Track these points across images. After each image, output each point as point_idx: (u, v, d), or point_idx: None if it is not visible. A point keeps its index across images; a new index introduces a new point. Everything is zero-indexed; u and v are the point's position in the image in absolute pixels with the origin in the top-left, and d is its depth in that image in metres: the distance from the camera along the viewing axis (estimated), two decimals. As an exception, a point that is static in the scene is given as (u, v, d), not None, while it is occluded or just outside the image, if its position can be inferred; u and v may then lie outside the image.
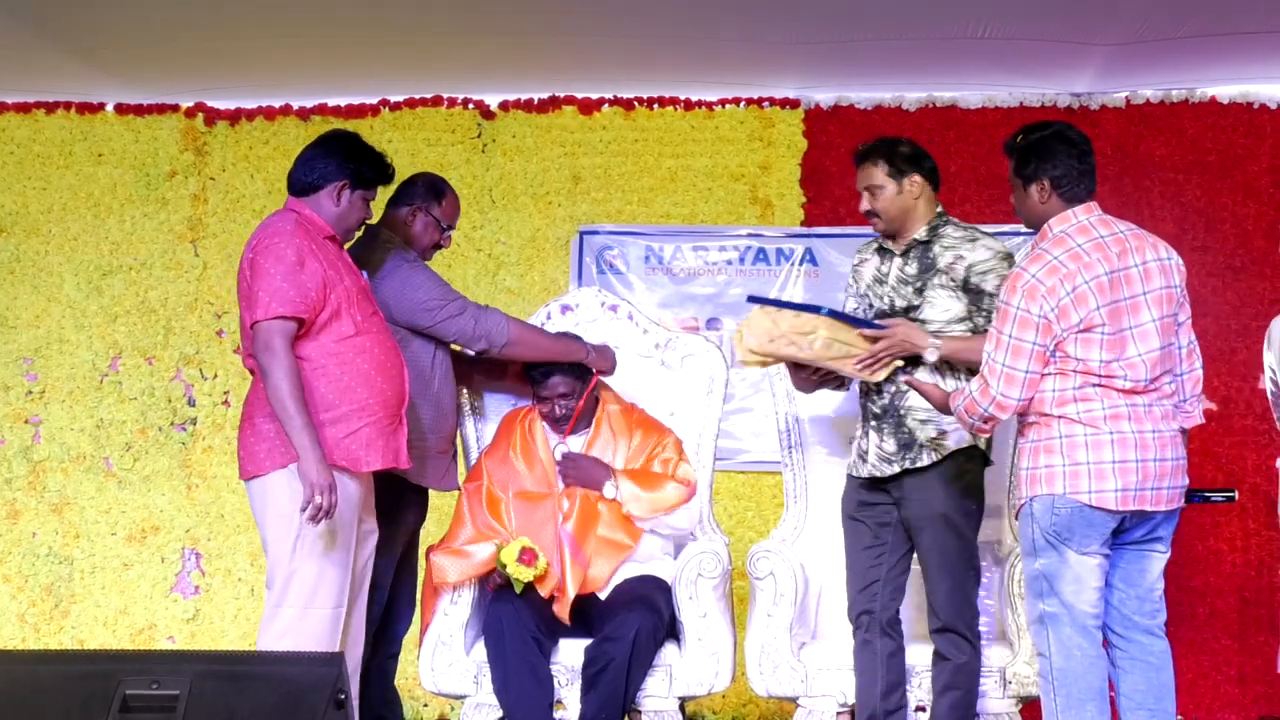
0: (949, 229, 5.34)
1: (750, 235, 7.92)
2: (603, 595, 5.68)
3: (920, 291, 5.31)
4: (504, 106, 8.10)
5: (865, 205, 5.43)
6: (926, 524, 5.26)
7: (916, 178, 5.37)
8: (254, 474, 5.16)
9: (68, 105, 8.25)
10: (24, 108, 8.27)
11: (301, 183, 5.36)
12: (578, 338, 5.93)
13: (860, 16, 6.86)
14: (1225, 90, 7.78)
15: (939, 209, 5.41)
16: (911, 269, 5.35)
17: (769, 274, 7.92)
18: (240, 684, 4.01)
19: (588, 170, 8.03)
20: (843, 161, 7.81)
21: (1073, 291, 4.77)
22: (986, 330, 5.02)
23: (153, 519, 8.01)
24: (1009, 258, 5.23)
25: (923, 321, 5.26)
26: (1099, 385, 4.80)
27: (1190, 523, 7.61)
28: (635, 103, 8.03)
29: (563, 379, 5.86)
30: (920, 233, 5.36)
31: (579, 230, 8.00)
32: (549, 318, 6.26)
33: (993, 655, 5.62)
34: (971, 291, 5.23)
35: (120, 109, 8.24)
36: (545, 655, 5.54)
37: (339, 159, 5.34)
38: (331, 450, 5.08)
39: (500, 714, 5.55)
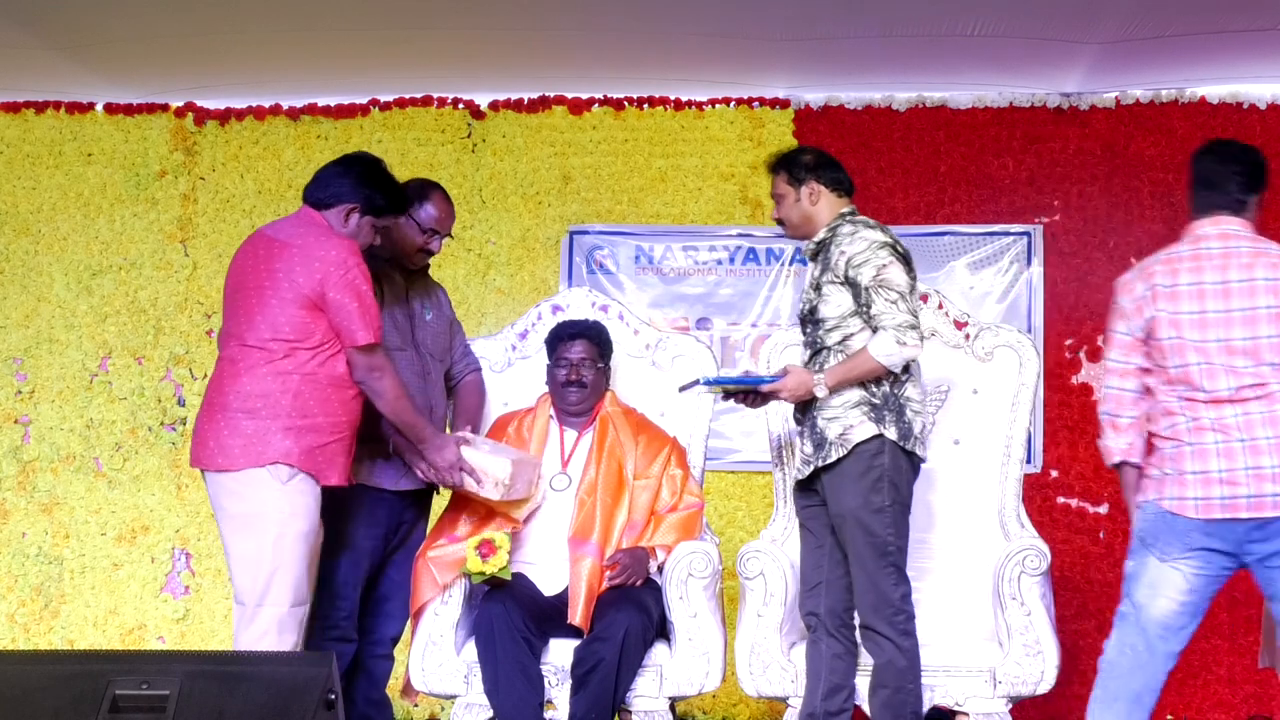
0: (845, 227, 5.42)
1: (740, 235, 7.93)
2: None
3: (819, 290, 5.42)
4: (494, 106, 8.10)
5: (773, 213, 5.66)
6: (839, 521, 5.34)
7: (814, 184, 5.49)
8: (224, 468, 5.21)
9: (57, 105, 8.24)
10: (13, 107, 8.27)
11: (315, 197, 5.44)
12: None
13: (850, 13, 6.87)
14: (1215, 90, 7.79)
15: (845, 210, 5.49)
16: (817, 270, 5.48)
17: (759, 274, 7.93)
18: (230, 684, 4.01)
19: (578, 170, 8.04)
20: (833, 161, 7.83)
21: (1174, 290, 4.89)
22: (871, 330, 5.23)
23: (143, 519, 8.00)
24: (885, 246, 5.29)
25: (821, 320, 5.37)
26: (1185, 397, 4.83)
27: (1180, 522, 7.62)
28: (625, 103, 8.04)
29: (584, 344, 5.93)
30: (822, 234, 5.47)
31: (569, 230, 8.01)
32: (540, 318, 6.27)
33: (983, 655, 5.63)
34: (851, 285, 5.31)
35: (110, 109, 8.24)
36: (535, 655, 5.54)
37: (354, 181, 5.43)
38: (302, 456, 5.20)
39: (490, 714, 5.55)
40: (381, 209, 5.44)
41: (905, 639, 5.26)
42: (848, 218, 5.45)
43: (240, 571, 5.26)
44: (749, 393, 5.51)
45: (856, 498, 5.26)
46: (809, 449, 5.38)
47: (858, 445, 5.25)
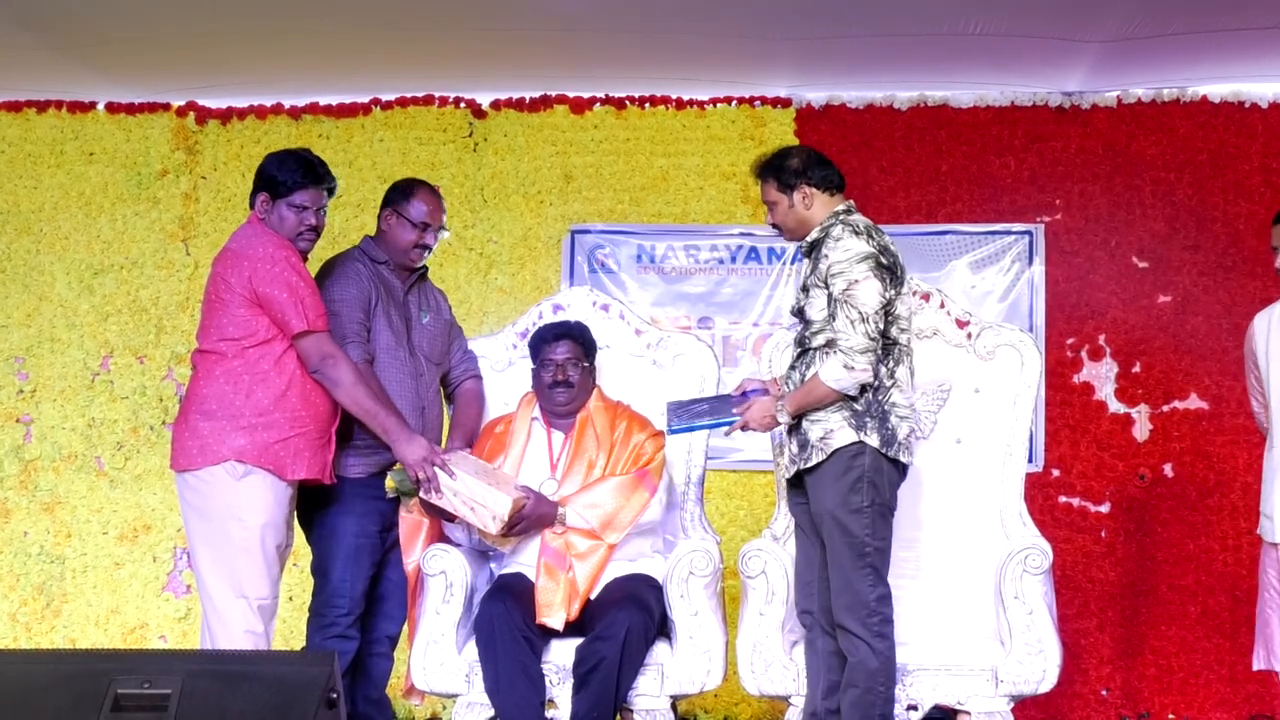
0: (835, 229, 5.38)
1: (742, 234, 7.92)
2: (593, 595, 5.69)
3: (806, 291, 5.42)
4: (495, 105, 8.09)
5: (768, 219, 5.62)
6: (820, 521, 5.34)
7: (806, 188, 5.45)
8: (185, 468, 5.41)
9: (59, 104, 8.24)
10: (15, 106, 8.27)
11: (250, 199, 5.66)
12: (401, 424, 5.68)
13: (851, 11, 6.86)
14: (1216, 89, 7.78)
15: (840, 207, 5.46)
16: (808, 269, 5.46)
17: (760, 273, 7.93)
18: (232, 683, 4.01)
19: (579, 169, 8.03)
20: (834, 161, 7.83)
21: None
22: (832, 353, 5.23)
23: (144, 518, 8.01)
24: (865, 260, 5.23)
25: (809, 320, 5.37)
26: None
27: (1182, 522, 7.62)
28: (627, 102, 8.03)
29: (569, 344, 5.90)
30: (815, 233, 5.45)
31: (571, 229, 8.00)
32: (540, 317, 6.27)
33: (985, 654, 5.63)
34: (829, 292, 5.30)
35: (111, 108, 8.24)
36: (537, 654, 5.54)
37: (260, 172, 5.62)
38: (257, 453, 5.36)
39: (492, 713, 5.55)
40: (286, 187, 5.54)
41: (879, 640, 5.24)
42: (841, 217, 5.41)
43: (201, 565, 5.45)
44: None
45: (835, 497, 5.25)
46: (795, 449, 5.40)
47: (837, 450, 5.25)
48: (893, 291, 5.27)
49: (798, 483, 5.44)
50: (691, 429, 5.66)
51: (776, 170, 5.49)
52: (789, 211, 5.48)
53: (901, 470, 5.35)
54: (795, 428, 5.38)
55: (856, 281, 5.20)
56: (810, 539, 5.48)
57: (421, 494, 5.57)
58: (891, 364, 5.29)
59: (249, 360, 5.40)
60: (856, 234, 5.31)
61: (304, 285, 5.42)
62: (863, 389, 5.23)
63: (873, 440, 5.23)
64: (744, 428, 5.50)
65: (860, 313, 5.18)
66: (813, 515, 5.37)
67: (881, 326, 5.23)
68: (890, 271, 5.27)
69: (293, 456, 5.41)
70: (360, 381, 5.47)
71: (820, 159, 5.54)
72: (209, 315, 5.48)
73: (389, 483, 5.65)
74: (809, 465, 5.29)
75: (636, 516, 5.74)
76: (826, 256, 5.30)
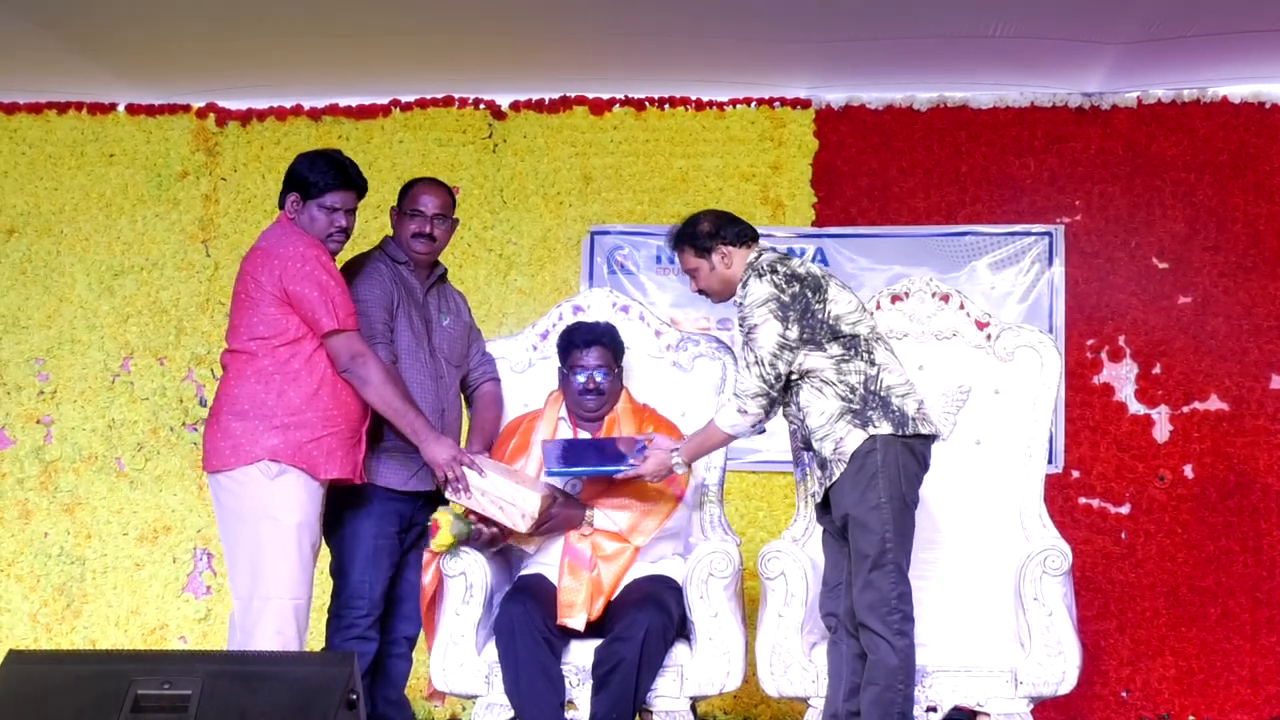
0: (747, 276, 5.40)
1: (762, 236, 7.88)
2: (614, 596, 5.70)
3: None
4: (515, 107, 8.10)
5: (692, 288, 5.67)
6: (842, 523, 5.33)
7: (722, 248, 5.50)
8: (218, 468, 5.41)
9: (79, 106, 8.26)
10: (36, 108, 8.28)
11: (279, 200, 5.66)
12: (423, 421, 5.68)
13: (871, 14, 6.86)
14: (1237, 90, 7.77)
15: (750, 258, 5.47)
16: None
17: (780, 274, 7.92)
18: (252, 684, 4.02)
19: (599, 170, 8.04)
20: (854, 162, 7.86)
21: None
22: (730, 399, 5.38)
23: (164, 519, 8.02)
24: (765, 304, 5.27)
25: None
26: None
27: (1202, 523, 7.60)
28: (646, 103, 8.03)
29: (600, 351, 5.90)
30: (739, 291, 5.45)
31: (590, 230, 8.01)
32: (560, 318, 6.27)
33: (1004, 655, 5.62)
34: None
35: (132, 109, 8.25)
36: (556, 655, 5.54)
37: (290, 173, 5.62)
38: (290, 452, 5.37)
39: (511, 714, 5.55)
40: (318, 188, 5.54)
41: (899, 639, 5.23)
42: (751, 266, 5.42)
43: (234, 565, 5.46)
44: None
45: (853, 496, 5.25)
46: (819, 471, 5.40)
47: (853, 454, 5.24)
48: (818, 304, 5.30)
49: (824, 500, 5.44)
50: (571, 473, 5.70)
51: (690, 238, 5.54)
52: (711, 275, 5.53)
53: (922, 458, 5.33)
54: (814, 451, 5.38)
55: (756, 326, 5.27)
56: (838, 543, 5.47)
57: (449, 494, 5.57)
58: (866, 355, 5.29)
59: (279, 359, 5.40)
60: (759, 276, 5.34)
61: (334, 284, 5.42)
62: (851, 389, 5.24)
63: (884, 429, 5.23)
64: (640, 478, 5.60)
65: (756, 355, 5.26)
66: (836, 520, 5.37)
67: (780, 370, 5.26)
68: (795, 301, 5.29)
69: (325, 456, 5.41)
70: (389, 381, 5.48)
71: (730, 217, 5.59)
72: (238, 314, 5.48)
73: (446, 538, 5.55)
74: (834, 480, 5.29)
75: (664, 521, 5.77)
76: (738, 304, 5.37)
